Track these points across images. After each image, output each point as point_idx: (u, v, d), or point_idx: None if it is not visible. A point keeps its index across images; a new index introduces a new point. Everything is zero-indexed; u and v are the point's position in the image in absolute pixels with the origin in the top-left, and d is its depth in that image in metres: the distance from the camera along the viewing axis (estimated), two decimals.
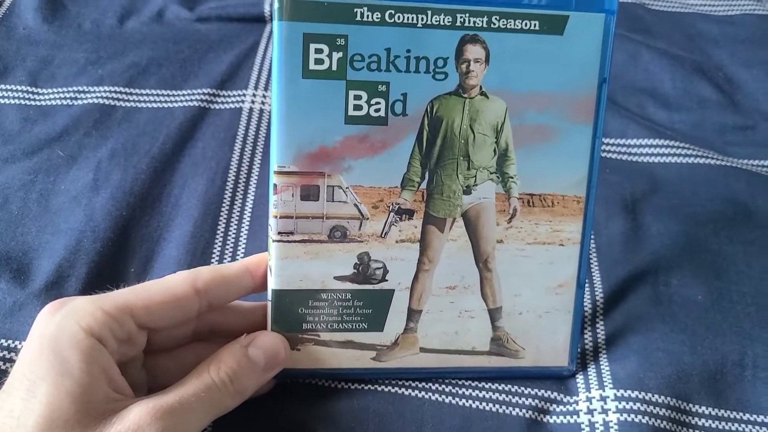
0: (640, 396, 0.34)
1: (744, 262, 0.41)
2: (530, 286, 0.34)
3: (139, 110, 0.47)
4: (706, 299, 0.39)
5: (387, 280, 0.33)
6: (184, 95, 0.49)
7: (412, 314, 0.33)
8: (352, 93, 0.30)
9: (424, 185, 0.32)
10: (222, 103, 0.49)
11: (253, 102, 0.49)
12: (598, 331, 0.39)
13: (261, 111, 0.48)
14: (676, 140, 0.48)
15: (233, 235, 0.42)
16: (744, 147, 0.49)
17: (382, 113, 0.30)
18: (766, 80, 0.53)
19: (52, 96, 0.48)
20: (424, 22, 0.29)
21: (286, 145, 0.30)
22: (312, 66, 0.29)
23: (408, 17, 0.29)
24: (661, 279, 0.40)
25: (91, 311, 0.27)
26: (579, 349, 0.37)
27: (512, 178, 0.32)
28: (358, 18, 0.29)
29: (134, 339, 0.29)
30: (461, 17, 0.29)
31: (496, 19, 0.29)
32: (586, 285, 0.41)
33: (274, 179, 0.31)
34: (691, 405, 0.35)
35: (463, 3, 0.29)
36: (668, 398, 0.35)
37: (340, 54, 0.29)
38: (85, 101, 0.47)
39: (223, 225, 0.42)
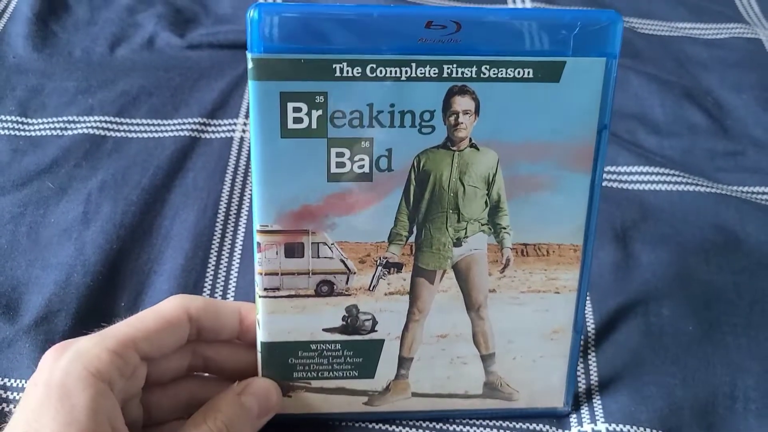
0: (632, 430, 0.34)
1: (734, 292, 0.41)
2: (524, 333, 0.33)
3: (129, 140, 0.47)
4: (696, 330, 0.39)
5: (377, 331, 0.32)
6: (174, 125, 0.49)
7: (403, 362, 0.33)
8: (333, 150, 0.29)
9: (412, 239, 0.31)
10: (212, 132, 0.49)
11: (244, 131, 0.49)
12: (590, 364, 0.38)
13: None
14: (666, 167, 0.48)
15: (224, 269, 0.42)
16: (733, 173, 0.49)
17: (366, 169, 0.29)
18: (755, 105, 0.53)
19: (42, 126, 0.48)
20: (408, 75, 0.28)
21: (267, 205, 0.29)
22: (291, 125, 0.28)
23: (391, 71, 0.28)
24: (652, 309, 0.40)
25: (97, 353, 0.27)
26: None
27: (505, 228, 0.31)
28: (338, 74, 0.27)
29: (137, 373, 0.29)
30: (448, 68, 0.28)
31: (486, 68, 0.28)
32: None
33: (257, 237, 0.30)
34: None
35: (449, 53, 0.28)
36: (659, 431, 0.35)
37: (320, 112, 0.28)
38: (76, 131, 0.47)
39: (214, 258, 0.42)
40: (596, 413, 0.36)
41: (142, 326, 0.29)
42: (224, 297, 0.41)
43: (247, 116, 0.50)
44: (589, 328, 0.40)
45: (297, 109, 0.28)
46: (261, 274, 0.31)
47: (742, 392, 0.37)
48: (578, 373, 0.38)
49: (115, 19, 0.56)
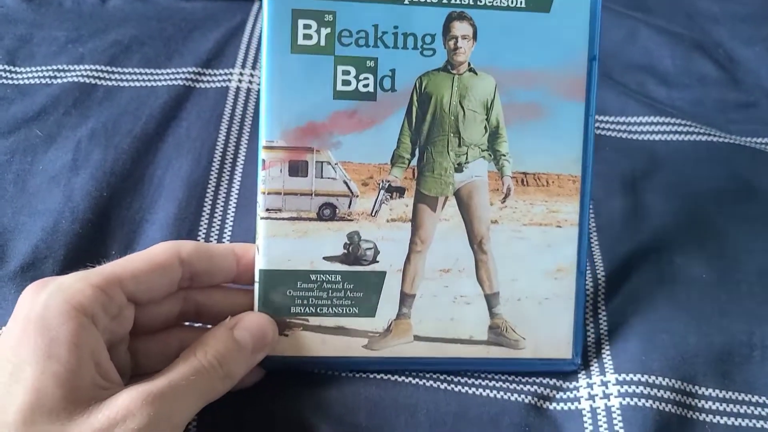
0: (643, 379, 0.33)
1: (748, 240, 0.40)
2: (528, 270, 0.33)
3: (121, 89, 0.46)
4: (710, 278, 0.38)
5: (378, 262, 0.31)
6: (168, 74, 0.47)
7: (405, 299, 0.32)
8: (340, 68, 0.30)
9: (414, 162, 0.31)
10: (208, 82, 0.47)
11: (240, 81, 0.47)
12: (599, 312, 0.37)
13: (248, 90, 0.47)
14: (676, 117, 0.46)
15: (219, 218, 0.40)
16: (746, 124, 0.48)
17: (370, 88, 0.30)
18: (767, 57, 0.52)
19: (30, 75, 0.46)
20: None
21: (274, 120, 0.30)
22: (300, 41, 0.29)
23: None
24: (664, 257, 0.39)
25: (81, 288, 0.26)
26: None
27: (504, 156, 0.31)
28: None
29: (124, 314, 0.28)
30: None
31: None
32: (587, 265, 0.39)
33: (262, 154, 0.30)
34: (696, 387, 0.34)
35: None
36: (673, 381, 0.33)
37: (328, 30, 0.29)
38: (65, 80, 0.46)
39: (209, 207, 0.41)
40: (605, 363, 0.34)
41: (130, 266, 0.28)
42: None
43: (243, 66, 0.48)
44: (598, 276, 0.39)
45: (307, 26, 0.29)
46: (264, 193, 0.31)
47: (759, 340, 0.35)
48: (587, 320, 0.36)
49: None
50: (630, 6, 0.55)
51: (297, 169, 0.30)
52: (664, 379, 0.33)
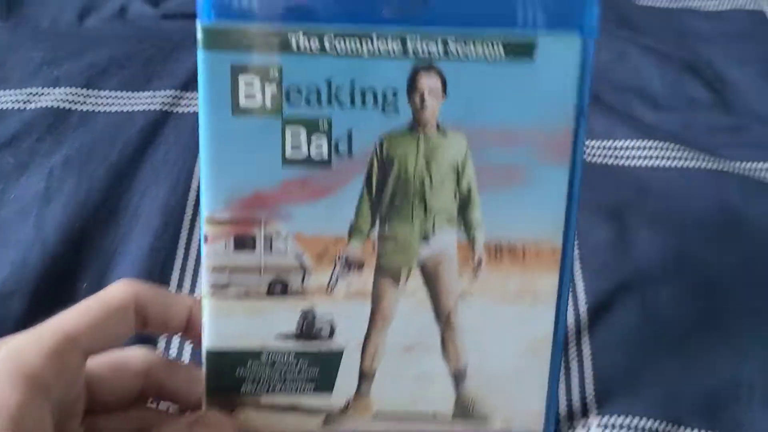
0: (627, 422, 0.32)
1: (737, 275, 0.39)
2: (499, 347, 0.30)
3: (96, 114, 0.45)
4: (697, 315, 0.37)
5: (335, 339, 0.29)
6: (145, 98, 0.46)
7: (365, 376, 0.30)
8: (289, 131, 0.27)
9: (375, 233, 0.28)
10: (186, 105, 0.46)
11: None
12: (582, 348, 0.36)
13: None
14: (665, 142, 0.46)
15: (196, 247, 0.39)
16: (736, 149, 0.47)
17: (324, 154, 0.27)
18: (758, 78, 0.51)
19: (3, 99, 0.45)
20: (369, 49, 0.26)
21: (216, 191, 0.27)
22: (242, 102, 0.26)
23: (351, 44, 0.26)
24: (650, 292, 0.38)
25: (34, 352, 0.24)
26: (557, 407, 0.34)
27: (476, 225, 0.28)
28: (294, 46, 0.26)
29: (79, 376, 0.26)
30: (413, 43, 0.26)
31: (453, 44, 0.26)
32: (570, 297, 0.38)
33: (205, 228, 0.27)
34: (683, 428, 0.33)
35: (413, 26, 0.26)
36: (658, 422, 0.32)
37: (274, 87, 0.26)
38: (39, 104, 0.45)
39: (186, 235, 0.40)
40: (588, 403, 0.33)
41: (85, 318, 0.26)
42: (195, 277, 0.38)
43: None
44: (581, 310, 0.38)
45: (249, 84, 0.26)
46: (208, 269, 0.28)
47: (747, 379, 0.34)
48: (570, 356, 0.36)
49: None
50: (619, 24, 0.54)
51: (243, 243, 0.28)
52: (648, 420, 0.32)
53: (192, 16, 0.51)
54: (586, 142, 0.46)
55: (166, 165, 0.42)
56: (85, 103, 0.45)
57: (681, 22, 0.55)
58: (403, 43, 0.26)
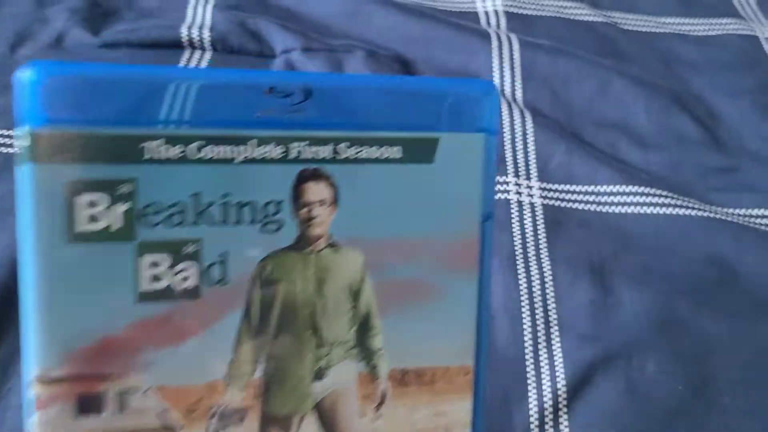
0: None
1: (730, 342, 0.35)
2: None
3: None
4: (687, 389, 0.33)
5: None
6: None
7: None
8: (146, 259, 0.22)
9: (258, 374, 0.24)
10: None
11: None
12: (561, 428, 0.32)
13: None
14: (651, 186, 0.42)
15: None
16: (728, 192, 0.43)
17: (192, 283, 0.22)
18: (752, 112, 0.47)
19: None
20: (245, 155, 0.22)
21: (50, 341, 0.21)
22: (83, 226, 0.21)
23: (222, 151, 0.22)
24: (636, 363, 0.34)
25: None
26: None
27: (378, 352, 0.25)
28: (150, 154, 0.21)
29: None
30: (297, 147, 0.22)
31: (344, 147, 0.23)
32: (546, 368, 0.34)
33: (34, 389, 0.21)
34: None
35: (297, 127, 0.22)
36: None
37: (126, 206, 0.21)
38: None
39: None
40: None
41: None
42: None
43: None
44: (559, 384, 0.34)
45: (92, 204, 0.21)
46: None
47: None
48: None
49: (20, 14, 0.48)
50: (601, 53, 0.50)
51: (89, 405, 0.22)
52: None
53: (135, 46, 0.47)
54: (566, 187, 0.42)
55: None
56: (8, 144, 0.41)
57: (668, 49, 0.51)
58: (286, 148, 0.22)
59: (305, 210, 0.23)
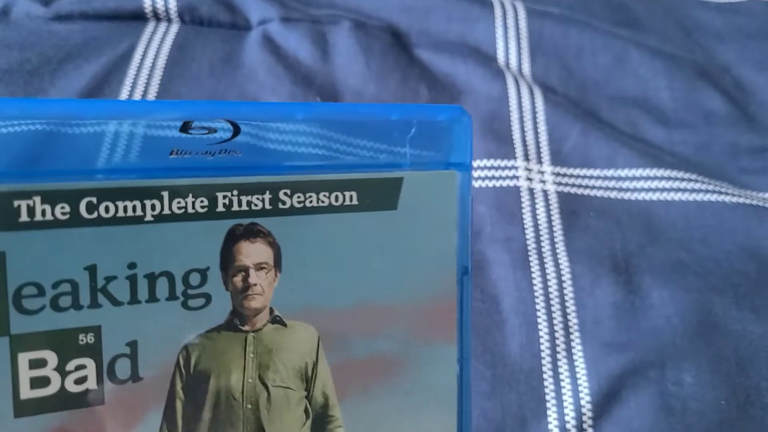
0: None
1: None
2: None
3: None
4: (731, 404, 0.29)
5: None
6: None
7: None
8: (25, 358, 0.16)
9: None
10: (81, 127, 0.36)
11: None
12: None
13: None
14: (678, 169, 0.37)
15: None
16: (762, 175, 0.38)
17: (90, 384, 0.17)
18: None
19: None
20: (156, 212, 0.17)
21: None
22: None
23: (124, 207, 0.16)
24: (670, 375, 0.30)
25: None
26: None
27: None
28: (25, 216, 0.16)
29: None
30: (225, 197, 0.17)
31: (284, 194, 0.18)
32: (567, 381, 0.30)
33: None
34: None
35: (223, 173, 0.17)
36: None
37: None
38: None
39: None
40: None
41: None
42: None
43: None
44: (583, 400, 0.29)
45: None
46: None
47: None
48: None
49: None
50: (617, 22, 0.45)
51: None
52: None
53: (91, 17, 0.41)
54: (582, 172, 0.37)
55: None
56: None
57: (689, 17, 0.46)
58: (211, 198, 0.17)
59: (239, 278, 0.18)
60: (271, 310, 0.19)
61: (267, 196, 0.18)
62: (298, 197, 0.18)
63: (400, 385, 0.20)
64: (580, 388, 0.30)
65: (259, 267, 0.18)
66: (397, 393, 0.20)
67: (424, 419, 0.20)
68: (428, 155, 0.19)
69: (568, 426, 0.29)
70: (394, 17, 0.44)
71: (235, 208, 0.17)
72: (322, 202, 0.18)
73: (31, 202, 0.16)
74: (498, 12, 0.44)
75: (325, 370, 0.19)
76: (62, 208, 0.16)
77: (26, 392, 0.17)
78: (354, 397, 0.19)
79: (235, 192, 0.17)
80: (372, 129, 0.19)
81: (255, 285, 0.18)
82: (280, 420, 0.19)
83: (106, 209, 0.16)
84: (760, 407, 0.29)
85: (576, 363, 0.30)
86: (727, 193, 0.36)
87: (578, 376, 0.30)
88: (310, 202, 0.18)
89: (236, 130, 0.17)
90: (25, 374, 0.16)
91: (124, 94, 0.38)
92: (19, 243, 0.16)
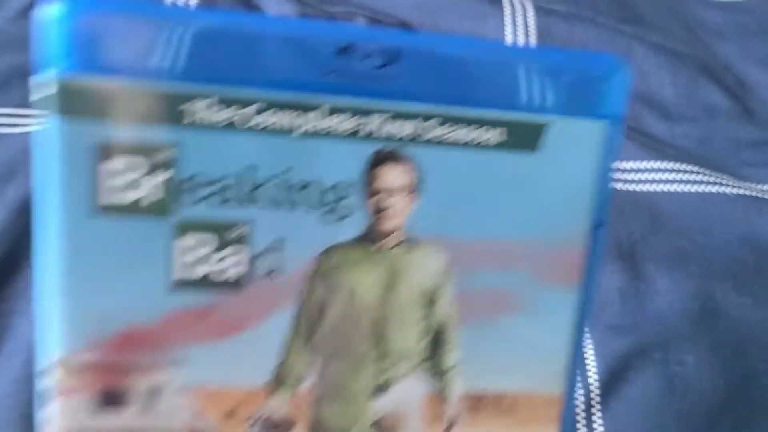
0: None
1: None
2: None
3: None
4: (730, 385, 0.30)
5: None
6: None
7: None
8: (184, 240, 0.18)
9: (309, 383, 0.20)
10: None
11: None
12: (594, 426, 0.29)
13: None
14: (680, 161, 0.38)
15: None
16: (762, 167, 0.40)
17: (238, 272, 0.19)
18: None
19: None
20: (309, 127, 0.18)
21: (72, 324, 0.19)
22: (111, 196, 0.18)
23: (283, 118, 0.18)
24: (673, 356, 0.31)
25: None
26: None
27: (451, 370, 0.21)
28: (194, 117, 0.18)
29: None
30: (375, 121, 0.18)
31: (433, 124, 0.19)
32: None
33: (54, 376, 0.19)
34: None
35: (375, 98, 0.18)
36: None
37: (164, 176, 0.18)
38: None
39: None
40: None
41: None
42: None
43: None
44: (591, 380, 0.31)
45: (124, 171, 0.18)
46: None
47: None
48: None
49: None
50: (621, 18, 0.46)
51: (114, 398, 0.19)
52: None
53: None
54: None
55: None
56: None
57: (692, 15, 0.48)
58: (360, 121, 0.18)
59: (378, 198, 0.19)
60: (405, 232, 0.20)
61: (415, 123, 0.19)
62: (445, 128, 0.19)
63: (517, 321, 0.21)
64: (588, 368, 0.31)
65: (397, 191, 0.19)
66: (514, 328, 0.21)
67: (534, 359, 0.21)
68: (580, 103, 0.19)
69: (577, 402, 0.31)
70: (406, 14, 0.45)
71: (383, 132, 0.19)
72: (467, 136, 0.19)
73: (204, 104, 0.18)
74: (507, 10, 0.45)
75: (449, 295, 0.20)
76: (231, 112, 0.18)
77: (181, 272, 0.19)
78: (472, 325, 0.21)
79: (385, 116, 0.19)
80: (526, 70, 0.19)
81: (392, 207, 0.19)
82: (401, 334, 0.21)
83: (269, 118, 0.18)
84: (757, 387, 0.31)
85: (585, 345, 0.32)
86: (727, 185, 0.38)
87: (586, 357, 0.32)
88: (456, 135, 0.19)
89: (394, 58, 0.18)
90: (183, 255, 0.19)
91: None
92: (191, 139, 0.18)
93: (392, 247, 0.20)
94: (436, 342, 0.21)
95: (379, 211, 0.19)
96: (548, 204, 0.20)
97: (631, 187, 0.38)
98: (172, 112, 0.17)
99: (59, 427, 0.19)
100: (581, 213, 0.20)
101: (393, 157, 0.19)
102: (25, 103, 0.38)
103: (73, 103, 0.17)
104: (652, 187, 0.38)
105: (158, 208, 0.18)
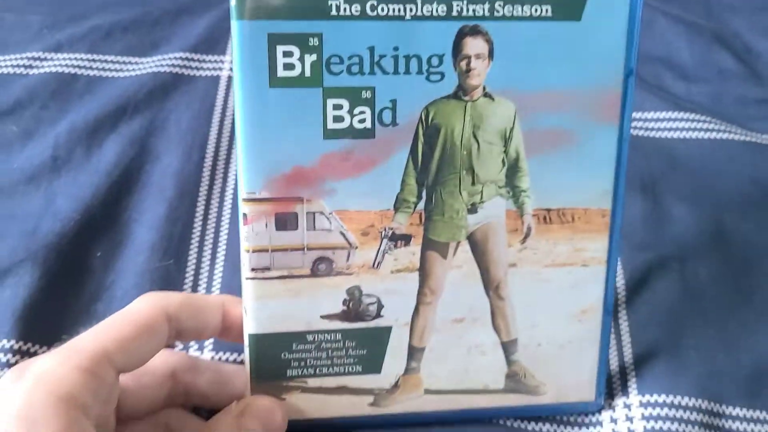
0: (668, 400, 0.31)
1: None
2: (549, 314, 0.29)
3: (102, 80, 0.42)
4: (737, 293, 0.36)
5: (383, 316, 0.28)
6: (153, 62, 0.44)
7: (414, 352, 0.29)
8: (330, 102, 0.25)
9: (421, 205, 0.27)
10: (197, 69, 0.44)
11: (232, 69, 0.44)
12: (620, 324, 0.35)
13: None
14: (695, 113, 0.44)
15: (213, 219, 0.37)
16: (766, 121, 0.45)
17: (367, 124, 0.26)
18: None
19: (2, 64, 0.43)
20: (413, 13, 0.25)
21: (255, 168, 0.26)
22: (281, 72, 0.25)
23: (394, 8, 0.25)
24: (688, 269, 0.37)
25: (67, 374, 0.22)
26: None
27: (525, 192, 0.28)
28: (334, 12, 0.24)
29: (114, 392, 0.25)
30: (458, 5, 0.25)
31: (500, 5, 0.25)
32: None
33: (243, 208, 0.26)
34: (723, 407, 0.32)
35: None
36: (699, 401, 0.31)
37: (314, 56, 0.25)
38: (42, 70, 0.42)
39: (202, 207, 0.38)
40: (629, 383, 0.32)
41: (116, 335, 0.24)
42: (215, 249, 0.36)
43: None
44: (618, 284, 0.36)
45: (288, 54, 0.24)
46: (248, 251, 0.27)
47: None
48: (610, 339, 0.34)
49: None
50: None
51: (285, 222, 0.26)
52: (690, 399, 0.31)
53: None
54: None
55: (179, 133, 0.40)
56: (90, 68, 0.43)
57: None
58: (448, 5, 0.25)
59: (464, 62, 0.26)
60: (484, 87, 0.26)
61: (487, 5, 0.25)
62: (509, 7, 0.25)
63: (571, 151, 0.27)
64: (616, 276, 0.37)
65: (477, 56, 0.26)
66: (569, 157, 0.27)
67: (588, 181, 0.28)
68: None
69: None
70: None
71: (465, 13, 0.25)
72: (526, 11, 0.25)
73: (338, 2, 0.24)
74: None
75: (519, 134, 0.27)
76: (355, 7, 0.24)
77: (329, 124, 0.26)
78: (537, 156, 0.27)
79: (465, 1, 0.25)
80: None
81: (474, 68, 0.26)
82: (486, 165, 0.27)
83: (383, 9, 0.25)
84: (760, 296, 0.36)
85: None
86: (736, 133, 0.43)
87: None
88: (518, 11, 0.25)
89: None
90: (329, 113, 0.25)
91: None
92: (330, 28, 0.24)
93: (476, 100, 0.26)
94: (512, 170, 0.27)
95: (465, 72, 0.26)
96: (591, 60, 0.26)
97: (653, 134, 0.44)
98: (318, 9, 0.24)
99: (246, 247, 0.27)
100: (616, 65, 0.27)
101: (473, 31, 0.25)
102: (126, 52, 0.44)
103: (250, 10, 0.24)
104: (671, 134, 0.44)
105: (312, 80, 0.25)
